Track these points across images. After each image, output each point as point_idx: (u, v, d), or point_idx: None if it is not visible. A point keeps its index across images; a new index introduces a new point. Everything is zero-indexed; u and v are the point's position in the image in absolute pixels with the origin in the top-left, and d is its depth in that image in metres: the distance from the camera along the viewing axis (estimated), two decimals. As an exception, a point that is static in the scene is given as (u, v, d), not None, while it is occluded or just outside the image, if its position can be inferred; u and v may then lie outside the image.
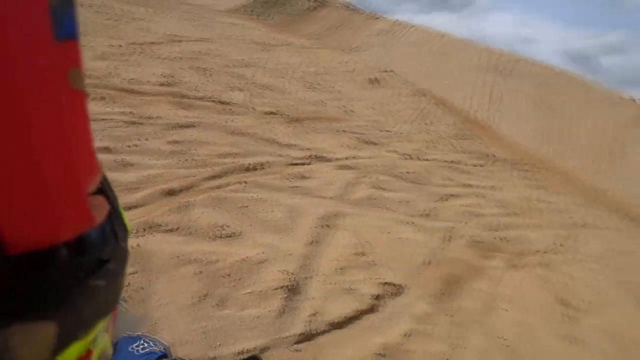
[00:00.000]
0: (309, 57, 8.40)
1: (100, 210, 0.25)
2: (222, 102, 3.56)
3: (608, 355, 2.65)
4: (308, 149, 3.29)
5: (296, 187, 2.49)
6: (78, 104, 0.22)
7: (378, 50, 18.41)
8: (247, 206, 2.03)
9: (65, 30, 0.20)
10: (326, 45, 12.32)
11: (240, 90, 4.27)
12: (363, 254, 2.19)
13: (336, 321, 1.66)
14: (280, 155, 2.89)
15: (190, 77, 4.14)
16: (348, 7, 21.31)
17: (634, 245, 6.68)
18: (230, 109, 3.47)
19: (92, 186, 0.24)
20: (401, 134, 5.62)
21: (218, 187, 2.09)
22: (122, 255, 0.28)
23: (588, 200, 8.83)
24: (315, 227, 2.17)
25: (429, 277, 2.40)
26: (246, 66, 5.65)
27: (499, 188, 5.49)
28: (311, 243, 2.04)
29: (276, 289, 1.62)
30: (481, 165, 6.48)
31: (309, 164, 2.99)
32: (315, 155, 3.17)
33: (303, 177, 2.69)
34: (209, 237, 1.70)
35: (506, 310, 2.60)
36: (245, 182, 2.25)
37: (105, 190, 0.27)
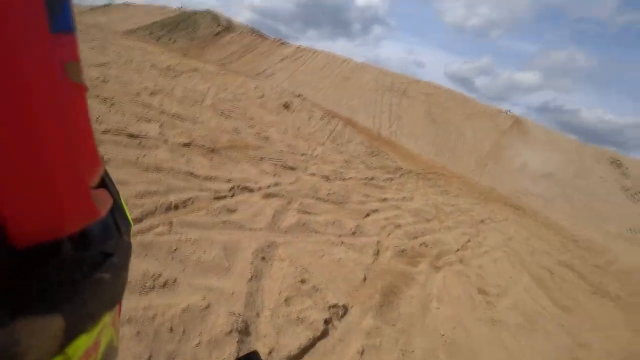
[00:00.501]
0: (218, 83, 8.27)
1: (103, 203, 0.25)
2: (131, 136, 3.27)
3: (522, 328, 3.11)
4: (229, 180, 3.21)
5: (225, 222, 2.40)
6: (78, 97, 0.22)
7: (285, 75, 19.05)
8: (176, 249, 1.88)
9: (61, 23, 0.20)
10: (234, 71, 12.26)
11: (149, 121, 3.98)
12: (303, 281, 2.20)
13: (293, 354, 1.63)
14: (202, 190, 2.76)
15: (91, 108, 3.72)
16: (253, 33, 21.65)
17: (525, 231, 7.97)
18: (141, 143, 3.21)
19: (95, 179, 0.25)
20: (316, 156, 5.86)
21: (141, 231, 1.90)
22: (125, 249, 0.28)
23: (481, 199, 10.27)
24: (252, 262, 2.11)
25: (368, 293, 2.52)
26: (152, 94, 5.31)
27: (410, 198, 6.06)
28: (251, 279, 1.98)
29: (226, 334, 1.53)
30: (391, 179, 7.08)
31: (233, 196, 2.92)
32: (238, 186, 3.11)
33: (230, 211, 2.61)
34: (142, 290, 1.52)
35: (438, 308, 2.87)
36: (171, 222, 2.09)
37: (107, 183, 0.28)
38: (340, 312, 2.17)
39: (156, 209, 2.18)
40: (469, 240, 5.31)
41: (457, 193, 9.15)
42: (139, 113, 4.18)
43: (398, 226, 4.43)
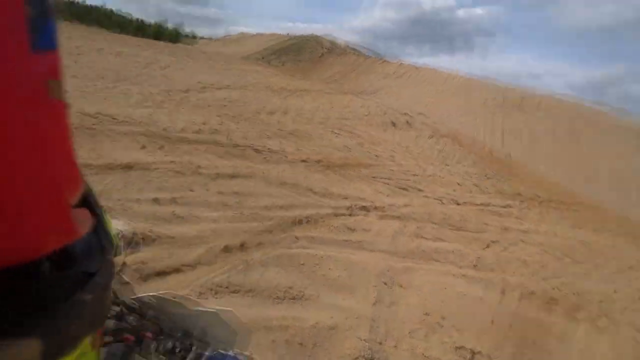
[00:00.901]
0: (325, 102, 8.65)
1: (83, 222, 0.24)
2: (256, 150, 3.59)
3: None
4: (345, 197, 3.24)
5: (346, 240, 2.41)
6: (57, 114, 0.21)
7: (388, 92, 19.05)
8: (304, 264, 1.94)
9: (44, 41, 0.19)
10: (339, 90, 12.75)
11: (269, 137, 4.33)
12: (427, 313, 2.05)
13: (421, 397, 1.50)
14: (322, 207, 2.83)
15: (221, 125, 4.22)
16: (355, 53, 22.37)
17: None
18: (265, 158, 3.48)
19: (75, 197, 0.23)
20: (429, 176, 5.59)
21: (272, 243, 2.02)
22: (108, 269, 0.27)
23: (629, 237, 8.54)
24: (375, 285, 2.05)
25: (497, 339, 2.23)
26: (270, 113, 5.80)
27: (535, 231, 5.33)
28: (375, 303, 1.92)
29: (355, 359, 1.49)
30: (510, 206, 6.36)
31: (351, 214, 2.92)
32: (355, 205, 3.11)
33: (350, 229, 2.62)
34: (274, 300, 1.60)
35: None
36: (297, 237, 2.17)
37: (90, 202, 0.26)
38: (468, 357, 1.94)
39: (283, 223, 2.30)
40: (615, 291, 4.38)
41: (594, 227, 7.78)
42: (261, 130, 4.57)
43: (524, 262, 3.91)
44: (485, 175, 7.81)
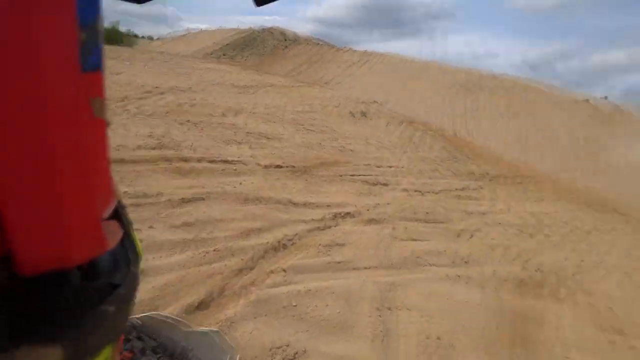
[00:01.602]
0: (294, 96, 8.20)
1: (114, 235, 0.25)
2: (224, 162, 3.16)
3: None
4: (327, 205, 2.91)
5: (339, 262, 2.08)
6: (99, 131, 0.22)
7: (354, 81, 18.80)
8: (295, 305, 1.60)
9: (91, 62, 0.20)
10: (305, 82, 12.26)
11: (239, 143, 3.90)
12: (438, 338, 1.78)
13: None
14: (306, 221, 2.49)
15: (182, 134, 3.73)
16: (317, 43, 21.81)
17: (635, 241, 6.57)
18: (235, 169, 3.07)
19: (108, 211, 0.24)
20: (403, 167, 5.36)
21: (254, 284, 1.66)
22: (133, 281, 0.27)
23: (582, 205, 8.82)
24: (379, 315, 1.75)
25: (508, 346, 2.02)
26: (236, 114, 5.32)
27: (507, 210, 5.25)
28: (383, 340, 1.62)
29: None
30: (481, 187, 6.31)
31: (335, 225, 2.60)
32: (340, 213, 2.79)
33: (339, 245, 2.30)
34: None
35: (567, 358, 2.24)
36: (283, 270, 1.82)
37: (120, 214, 0.26)
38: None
39: (264, 252, 1.94)
40: (582, 260, 4.38)
41: (554, 199, 7.94)
42: (227, 136, 4.12)
43: (507, 248, 3.77)
44: (455, 158, 7.73)
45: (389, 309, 1.83)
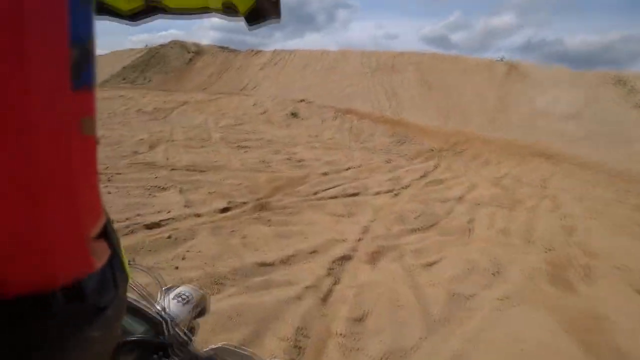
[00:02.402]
0: (212, 111, 7.04)
1: (101, 255, 0.23)
2: (148, 227, 2.13)
3: None
4: (312, 252, 2.07)
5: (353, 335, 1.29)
6: (88, 149, 0.21)
7: (270, 83, 17.86)
8: None
9: (82, 81, 0.19)
10: (221, 93, 10.99)
11: (163, 189, 2.84)
12: None
13: None
14: (299, 297, 1.61)
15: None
16: (224, 50, 20.30)
17: (576, 181, 6.87)
18: (171, 237, 2.06)
19: (96, 230, 0.22)
20: (360, 166, 4.70)
21: None
22: (120, 303, 0.25)
23: (518, 159, 9.16)
24: None
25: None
26: (151, 148, 4.13)
27: (475, 185, 4.94)
28: None
29: None
30: (437, 166, 5.99)
31: (336, 283, 1.79)
32: (331, 262, 1.98)
33: (357, 321, 1.50)
34: None
35: None
36: None
37: (108, 233, 0.25)
38: None
39: None
40: (562, 215, 4.22)
41: (497, 160, 8.06)
42: (150, 181, 3.01)
43: (504, 231, 3.30)
44: (399, 142, 7.36)
45: None
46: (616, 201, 5.58)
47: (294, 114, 7.12)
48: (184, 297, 0.52)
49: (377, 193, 3.56)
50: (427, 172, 4.97)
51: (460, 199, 3.93)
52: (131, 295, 0.41)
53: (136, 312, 0.43)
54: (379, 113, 13.86)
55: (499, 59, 16.98)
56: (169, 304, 0.49)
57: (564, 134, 15.22)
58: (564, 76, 20.48)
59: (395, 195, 3.64)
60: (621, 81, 20.24)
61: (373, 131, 7.54)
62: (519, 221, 3.37)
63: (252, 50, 20.08)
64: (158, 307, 0.46)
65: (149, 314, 0.43)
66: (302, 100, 8.47)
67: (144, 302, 0.45)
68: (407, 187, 4.02)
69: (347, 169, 4.31)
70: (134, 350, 0.39)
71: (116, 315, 0.24)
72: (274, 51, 19.67)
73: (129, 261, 0.34)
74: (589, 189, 6.30)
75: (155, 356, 0.39)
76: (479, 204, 3.76)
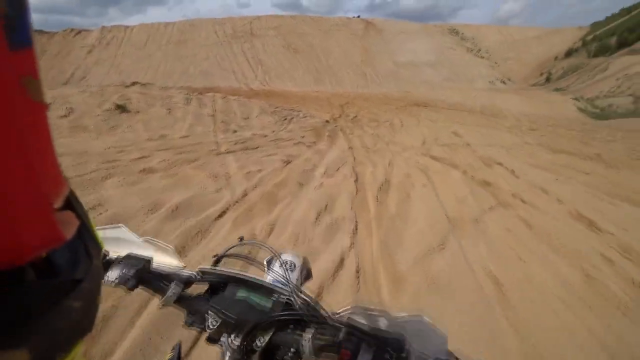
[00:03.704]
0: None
1: (69, 226, 0.21)
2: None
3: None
4: None
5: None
6: (38, 114, 0.19)
7: (105, 68, 13.53)
8: None
9: (20, 39, 0.18)
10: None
11: None
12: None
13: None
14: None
15: None
16: (38, 33, 14.80)
17: (457, 125, 6.40)
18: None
19: (59, 201, 0.21)
20: (243, 196, 2.77)
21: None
22: (96, 273, 0.23)
23: (394, 110, 8.44)
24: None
25: None
26: None
27: (382, 150, 3.57)
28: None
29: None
30: (332, 136, 4.51)
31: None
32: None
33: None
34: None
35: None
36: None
37: (73, 205, 0.22)
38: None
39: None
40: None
41: (398, 119, 7.07)
42: None
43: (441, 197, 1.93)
44: (285, 118, 5.53)
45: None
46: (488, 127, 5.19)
47: (122, 107, 4.53)
48: (289, 264, 0.48)
49: (320, 186, 1.74)
50: (345, 160, 3.31)
51: (390, 165, 2.42)
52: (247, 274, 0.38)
53: (259, 288, 0.39)
54: (247, 87, 11.66)
55: (355, 16, 16.51)
56: (285, 274, 0.44)
57: (426, 80, 15.64)
58: (412, 29, 21.21)
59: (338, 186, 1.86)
60: (454, 31, 22.20)
61: (248, 111, 5.51)
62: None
63: (72, 30, 14.66)
64: (283, 280, 0.42)
65: (276, 288, 0.39)
66: (134, 84, 5.74)
67: (265, 277, 0.42)
68: (333, 176, 2.29)
69: (219, 216, 2.19)
70: (271, 327, 0.35)
71: (95, 286, 0.22)
72: (102, 28, 14.77)
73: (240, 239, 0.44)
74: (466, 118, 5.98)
75: (289, 329, 0.35)
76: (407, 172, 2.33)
